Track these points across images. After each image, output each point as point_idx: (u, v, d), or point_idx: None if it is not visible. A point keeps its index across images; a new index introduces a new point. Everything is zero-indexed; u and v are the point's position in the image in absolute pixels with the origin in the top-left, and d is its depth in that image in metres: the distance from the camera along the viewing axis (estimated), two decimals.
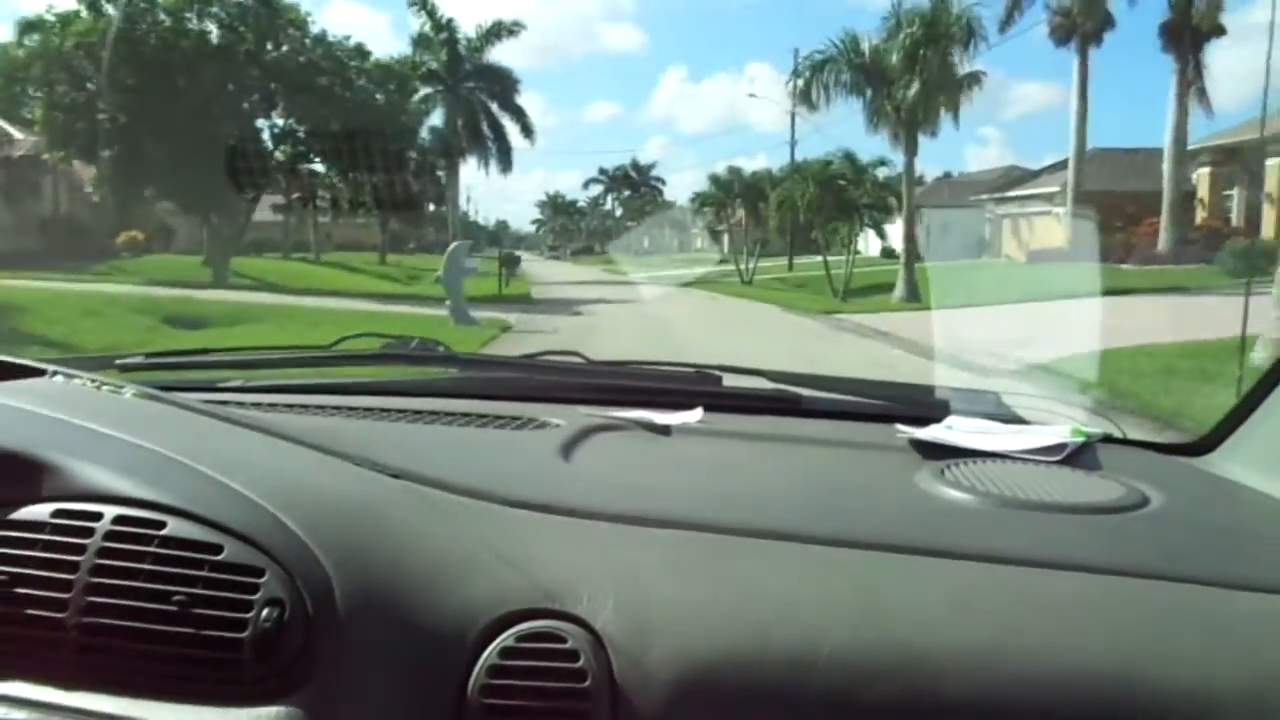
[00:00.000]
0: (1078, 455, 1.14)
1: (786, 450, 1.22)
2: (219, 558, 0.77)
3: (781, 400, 1.38)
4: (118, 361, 1.41)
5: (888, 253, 25.81)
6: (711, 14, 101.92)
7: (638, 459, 1.14)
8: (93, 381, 1.02)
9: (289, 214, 31.95)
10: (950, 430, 1.20)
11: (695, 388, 1.39)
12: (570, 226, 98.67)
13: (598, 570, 0.79)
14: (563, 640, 0.74)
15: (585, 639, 0.74)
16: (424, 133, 26.92)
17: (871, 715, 0.71)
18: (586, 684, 0.72)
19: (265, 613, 0.75)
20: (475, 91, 32.97)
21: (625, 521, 0.84)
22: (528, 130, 32.52)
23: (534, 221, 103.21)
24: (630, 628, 0.74)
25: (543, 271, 36.58)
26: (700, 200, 33.20)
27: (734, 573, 0.79)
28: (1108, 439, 1.26)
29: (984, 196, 32.74)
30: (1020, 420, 1.29)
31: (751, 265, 27.96)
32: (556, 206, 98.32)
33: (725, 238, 37.68)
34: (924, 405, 1.33)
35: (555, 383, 1.46)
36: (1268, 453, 1.10)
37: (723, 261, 33.29)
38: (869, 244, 26.71)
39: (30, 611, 0.77)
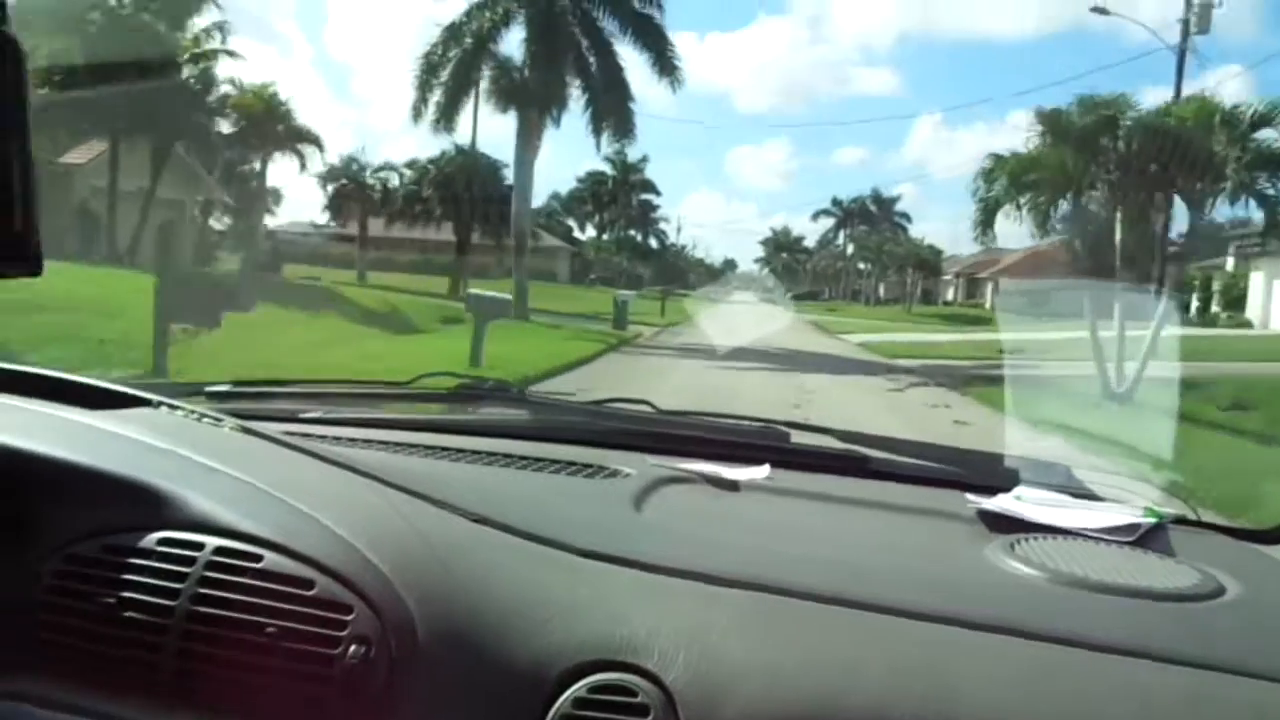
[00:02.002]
0: (1151, 536, 1.12)
1: (854, 513, 1.21)
2: (311, 593, 0.80)
3: (849, 460, 1.38)
4: (207, 389, 1.49)
5: None
6: (969, 58, 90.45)
7: (707, 514, 1.14)
8: (193, 413, 1.05)
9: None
10: (1020, 501, 1.18)
11: (763, 442, 1.40)
12: (794, 266, 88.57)
13: (669, 626, 0.79)
14: (634, 694, 0.75)
15: (656, 694, 0.75)
16: None
17: None
18: None
19: (353, 649, 0.78)
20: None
21: (696, 578, 0.84)
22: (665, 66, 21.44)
23: (756, 260, 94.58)
24: (700, 686, 0.75)
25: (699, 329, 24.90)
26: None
27: (803, 636, 0.79)
28: (1180, 520, 1.23)
29: None
30: (1091, 495, 1.26)
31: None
32: (780, 243, 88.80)
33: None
34: (993, 473, 1.31)
35: (625, 430, 1.46)
36: None
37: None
38: None
39: (132, 634, 0.81)
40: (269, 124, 22.69)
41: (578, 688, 0.76)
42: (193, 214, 24.08)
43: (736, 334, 21.72)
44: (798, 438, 1.43)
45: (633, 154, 71.98)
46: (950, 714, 0.72)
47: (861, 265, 74.07)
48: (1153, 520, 1.15)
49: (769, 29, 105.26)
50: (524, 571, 0.85)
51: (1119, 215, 12.00)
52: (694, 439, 1.41)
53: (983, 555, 1.01)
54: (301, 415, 1.46)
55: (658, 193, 69.94)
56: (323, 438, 1.26)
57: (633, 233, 69.36)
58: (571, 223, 69.54)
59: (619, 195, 67.67)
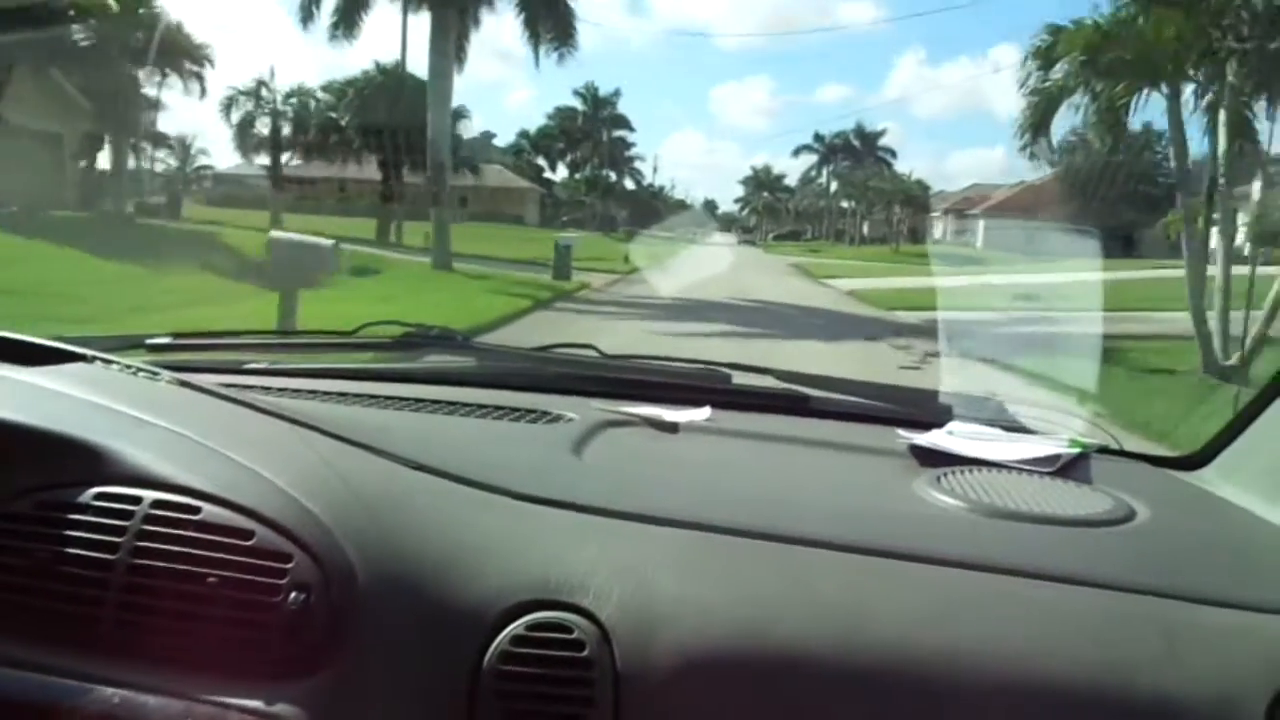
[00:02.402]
0: (1073, 466, 1.15)
1: (790, 451, 1.23)
2: (250, 543, 0.81)
3: (789, 399, 1.40)
4: (148, 341, 1.49)
5: None
6: None
7: (647, 456, 1.16)
8: (129, 367, 1.05)
9: None
10: (951, 436, 1.21)
11: (705, 384, 1.42)
12: (776, 206, 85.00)
13: (604, 565, 0.81)
14: (570, 631, 0.77)
15: (592, 630, 0.77)
16: None
17: (857, 712, 0.75)
18: (592, 673, 0.76)
19: (293, 596, 0.78)
20: None
21: (632, 518, 0.87)
22: None
23: (737, 200, 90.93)
24: (634, 621, 0.77)
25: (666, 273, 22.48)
26: None
27: (733, 572, 0.82)
28: (1103, 450, 1.27)
29: None
30: (1021, 428, 1.30)
31: None
32: (761, 182, 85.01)
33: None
34: (928, 410, 1.35)
35: (568, 374, 1.48)
36: (1257, 470, 1.11)
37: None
38: None
39: (72, 589, 0.81)
40: (130, 30, 18.61)
41: (515, 626, 0.78)
42: (73, 150, 20.35)
43: (706, 282, 18.84)
44: (739, 379, 1.45)
45: (605, 86, 68.25)
46: (866, 640, 0.76)
47: (845, 203, 70.67)
48: (1076, 450, 1.18)
49: None
50: (462, 516, 0.86)
51: (1222, 115, 8.46)
52: (637, 383, 1.43)
53: (910, 489, 1.04)
54: (244, 367, 1.46)
55: (631, 128, 65.81)
56: (265, 389, 1.27)
57: (608, 173, 65.48)
58: (542, 162, 65.61)
59: (590, 132, 63.57)
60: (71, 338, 1.11)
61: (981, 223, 51.47)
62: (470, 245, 20.40)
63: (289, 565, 0.80)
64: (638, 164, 69.91)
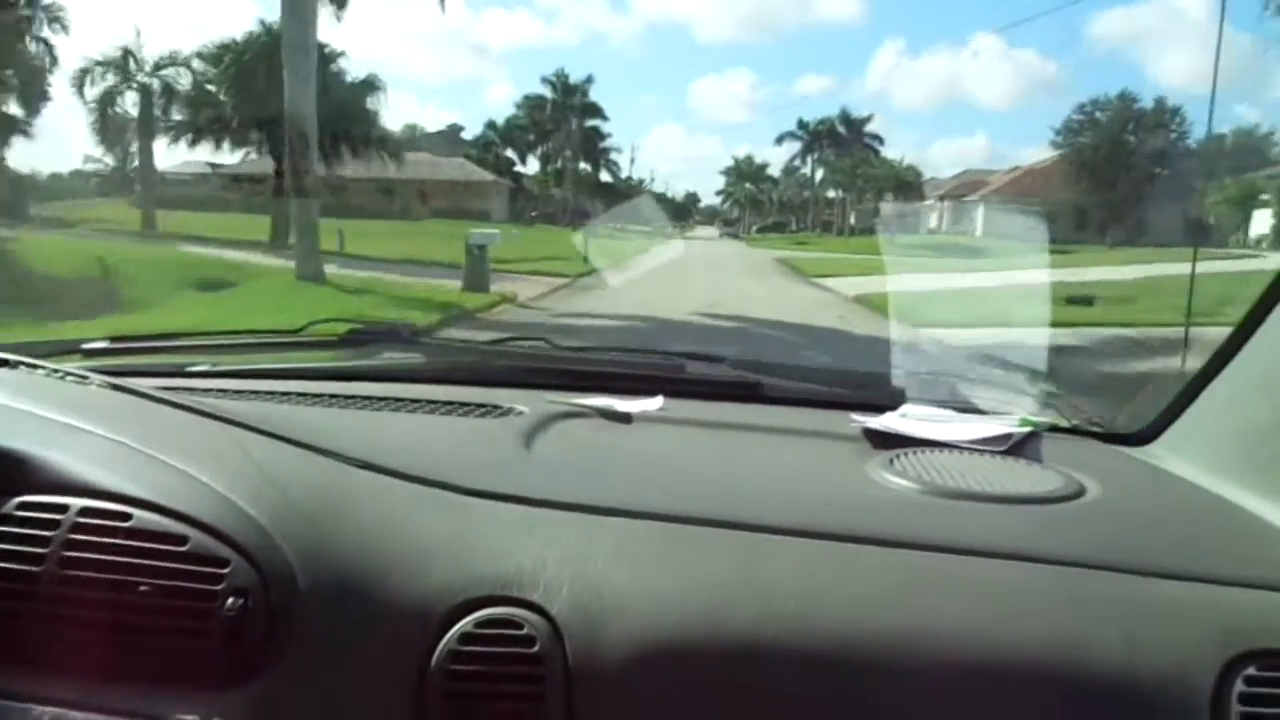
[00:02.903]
0: (1023, 445, 1.16)
1: (744, 439, 1.21)
2: (184, 549, 0.79)
3: (742, 387, 1.38)
4: (84, 346, 1.41)
5: None
6: None
7: (598, 447, 1.14)
8: (56, 372, 1.02)
9: None
10: (903, 419, 1.21)
11: (658, 374, 1.41)
12: (759, 197, 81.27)
13: (554, 559, 0.80)
14: (519, 627, 0.76)
15: (542, 625, 0.76)
16: None
17: (813, 697, 0.74)
18: (543, 669, 0.75)
19: (230, 602, 0.76)
20: None
21: (582, 510, 0.86)
22: None
23: (718, 192, 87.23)
24: (585, 615, 0.76)
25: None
26: None
27: (684, 561, 0.81)
28: (1054, 428, 1.26)
29: None
30: (973, 409, 1.29)
31: None
32: (743, 172, 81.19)
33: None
34: (881, 393, 1.34)
35: (519, 368, 1.45)
36: (1203, 445, 1.11)
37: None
38: None
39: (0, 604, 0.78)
40: None
41: (464, 623, 0.76)
42: None
43: (677, 288, 15.09)
44: (693, 368, 1.43)
45: (576, 74, 64.33)
46: (820, 624, 0.76)
47: (831, 193, 66.92)
48: (1026, 429, 1.18)
49: None
50: (408, 514, 0.84)
51: None
52: (590, 374, 1.41)
53: (863, 471, 1.04)
54: (185, 370, 1.42)
55: (604, 117, 61.19)
56: (205, 391, 1.24)
57: (582, 164, 61.37)
58: (513, 155, 61.44)
59: (561, 121, 59.44)
60: (3, 345, 1.09)
61: (981, 209, 47.99)
62: (384, 245, 16.62)
63: (225, 570, 0.77)
64: (614, 156, 65.84)
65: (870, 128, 64.74)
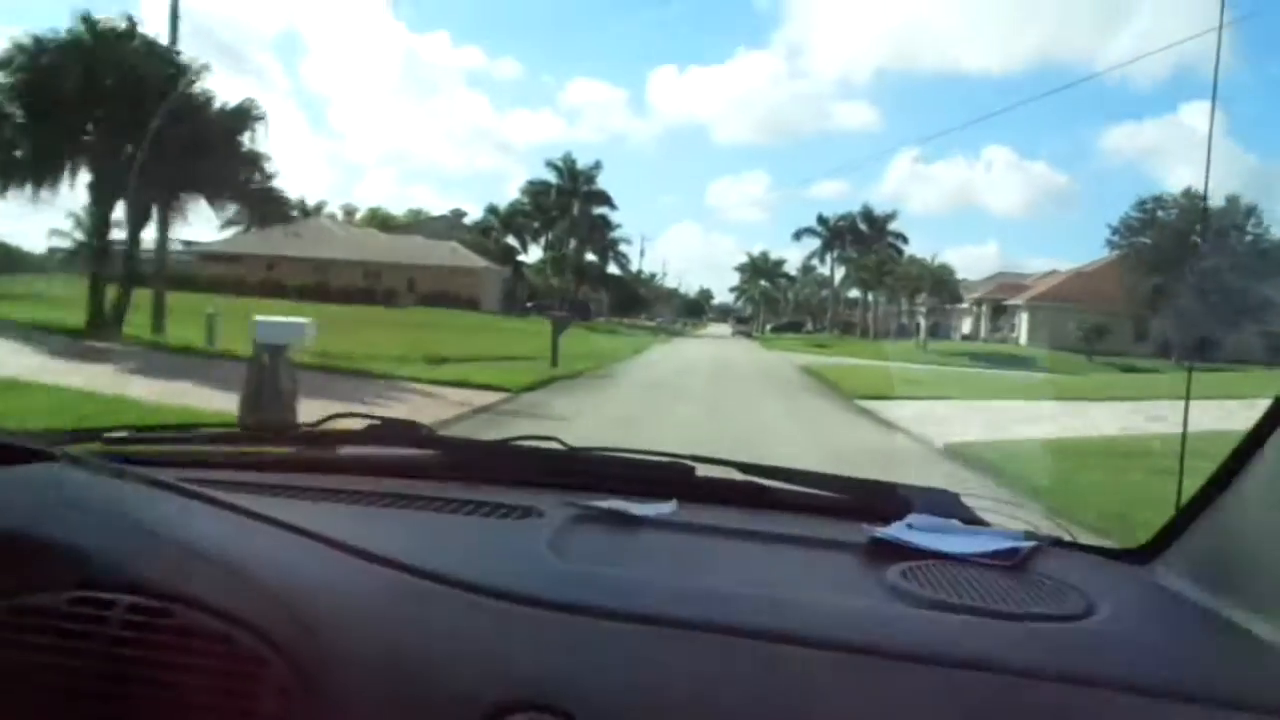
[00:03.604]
0: (1030, 559, 1.17)
1: (753, 545, 1.23)
2: (226, 647, 0.80)
3: (749, 492, 1.40)
4: (105, 435, 1.42)
5: None
6: (946, 93, 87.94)
7: (616, 551, 1.17)
8: (98, 466, 1.05)
9: None
10: (911, 530, 1.22)
11: (668, 477, 1.42)
12: (775, 294, 76.85)
13: (582, 665, 0.82)
14: None
15: None
16: None
17: None
18: None
19: (271, 702, 0.78)
20: None
21: (608, 617, 0.87)
22: None
23: (732, 289, 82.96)
24: None
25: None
26: None
27: (709, 671, 0.83)
28: (1058, 543, 1.28)
29: None
30: (978, 520, 1.32)
31: None
32: (758, 268, 76.95)
33: None
34: (887, 502, 1.35)
35: (534, 467, 1.47)
36: (1206, 562, 1.12)
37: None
38: None
39: (43, 699, 0.80)
40: None
41: None
42: None
43: (667, 410, 9.94)
44: (702, 471, 1.42)
45: (584, 160, 60.68)
46: None
47: (854, 292, 62.31)
48: (1032, 544, 1.20)
49: (749, 63, 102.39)
50: (440, 616, 0.86)
51: None
52: (603, 475, 1.43)
53: (876, 583, 1.05)
54: (207, 459, 1.43)
55: (613, 205, 56.90)
56: (229, 484, 1.24)
57: (587, 254, 56.92)
58: (515, 243, 57.09)
59: (565, 208, 55.34)
60: (26, 434, 1.07)
61: (1025, 314, 42.91)
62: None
63: (266, 670, 0.78)
64: (624, 248, 61.49)
65: (893, 226, 60.36)
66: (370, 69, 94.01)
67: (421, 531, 1.14)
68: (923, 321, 42.24)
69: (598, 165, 55.91)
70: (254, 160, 14.20)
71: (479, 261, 46.98)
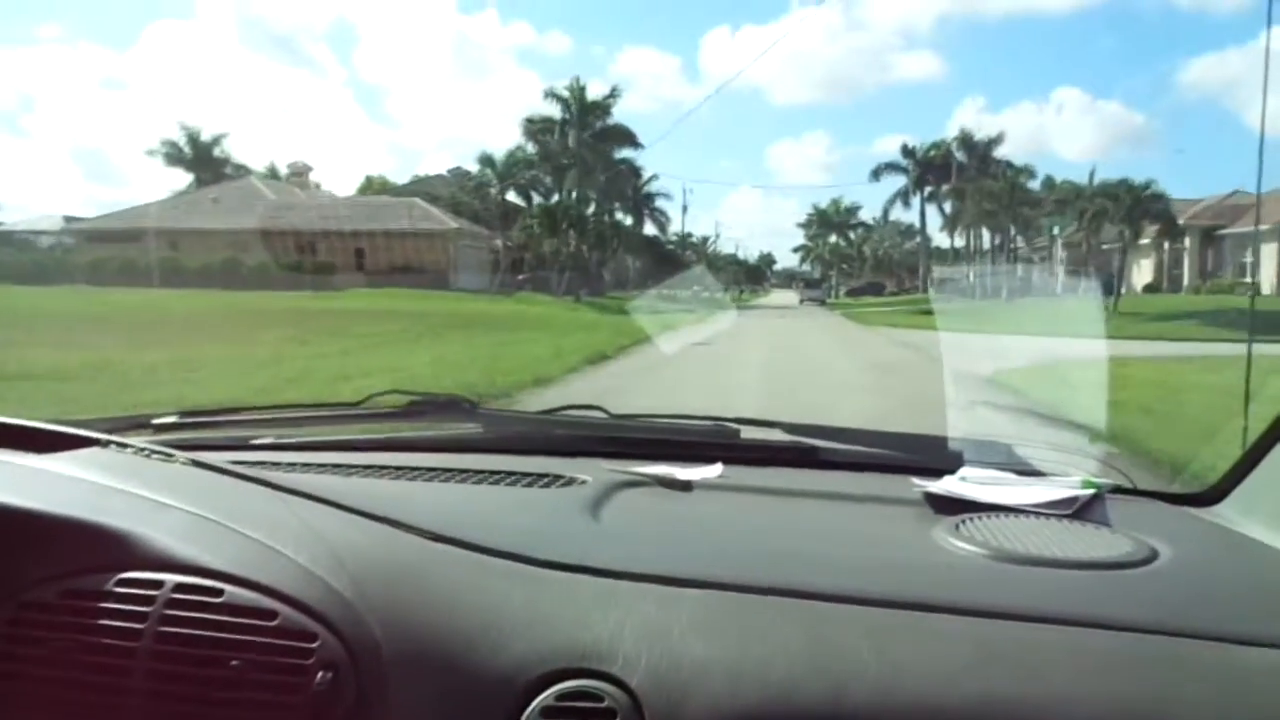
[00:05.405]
0: (1089, 507, 1.15)
1: (805, 505, 1.23)
2: (274, 623, 0.82)
3: (797, 452, 1.39)
4: (154, 421, 1.45)
5: None
6: (1015, 35, 78.56)
7: (662, 516, 1.16)
8: (143, 450, 1.06)
9: None
10: (964, 483, 1.20)
11: (713, 440, 1.41)
12: (848, 250, 62.36)
13: (630, 631, 0.82)
14: (600, 699, 0.77)
15: (622, 698, 0.77)
16: None
17: None
18: None
19: (321, 676, 0.79)
20: None
21: (655, 581, 0.87)
22: None
23: (796, 249, 68.70)
24: (664, 686, 0.78)
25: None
26: None
27: (761, 632, 0.82)
28: (1118, 489, 1.26)
29: None
30: (1033, 471, 1.28)
31: None
32: (827, 220, 62.64)
33: None
34: (938, 456, 1.32)
35: (577, 436, 1.48)
36: (1274, 504, 1.10)
37: None
38: None
39: (95, 678, 0.82)
40: None
41: (545, 696, 0.77)
42: None
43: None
44: (748, 433, 1.41)
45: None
46: (900, 693, 0.76)
47: (955, 241, 47.85)
48: (1090, 491, 1.18)
49: (803, 18, 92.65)
50: (486, 586, 0.86)
51: None
52: (647, 441, 1.43)
53: (929, 537, 1.04)
54: (252, 442, 1.45)
55: (638, 144, 43.01)
56: (275, 464, 1.26)
57: (605, 208, 43.20)
58: (520, 201, 43.86)
59: (576, 149, 41.83)
60: (78, 420, 1.13)
61: (1276, 245, 28.29)
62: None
63: (314, 645, 0.80)
64: (661, 203, 47.73)
65: (999, 153, 45.25)
66: (422, 53, 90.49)
67: (466, 503, 1.13)
68: (1117, 267, 27.58)
69: (615, 91, 41.50)
70: None
71: (447, 223, 34.51)
